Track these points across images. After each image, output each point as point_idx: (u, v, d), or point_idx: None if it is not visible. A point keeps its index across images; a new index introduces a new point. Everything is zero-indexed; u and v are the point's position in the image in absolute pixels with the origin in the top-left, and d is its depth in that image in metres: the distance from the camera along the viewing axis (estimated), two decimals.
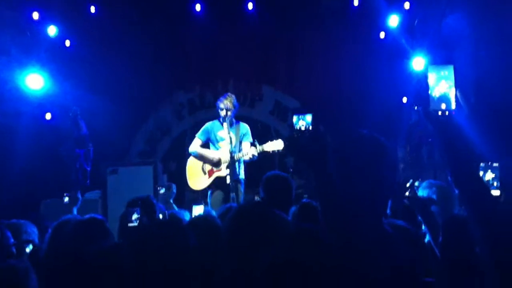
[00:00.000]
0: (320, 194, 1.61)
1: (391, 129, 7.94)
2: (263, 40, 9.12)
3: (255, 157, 5.76)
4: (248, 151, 5.73)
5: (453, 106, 1.87)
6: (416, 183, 3.11)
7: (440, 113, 1.84)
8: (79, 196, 4.89)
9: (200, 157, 6.13)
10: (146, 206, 3.53)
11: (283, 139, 5.86)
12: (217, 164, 5.96)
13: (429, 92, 1.87)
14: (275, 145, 5.71)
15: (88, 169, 7.05)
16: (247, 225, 2.06)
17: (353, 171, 1.59)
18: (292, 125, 1.85)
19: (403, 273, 1.53)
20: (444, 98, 1.87)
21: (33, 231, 3.48)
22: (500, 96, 6.53)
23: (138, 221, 3.31)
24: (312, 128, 1.82)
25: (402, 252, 1.58)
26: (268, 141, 5.80)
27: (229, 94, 6.04)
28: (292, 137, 1.81)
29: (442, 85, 1.87)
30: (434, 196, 3.15)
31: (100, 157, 7.30)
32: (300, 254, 1.53)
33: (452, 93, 1.88)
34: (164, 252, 1.76)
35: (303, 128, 1.81)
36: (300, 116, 1.85)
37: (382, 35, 8.54)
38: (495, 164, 2.85)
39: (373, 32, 8.60)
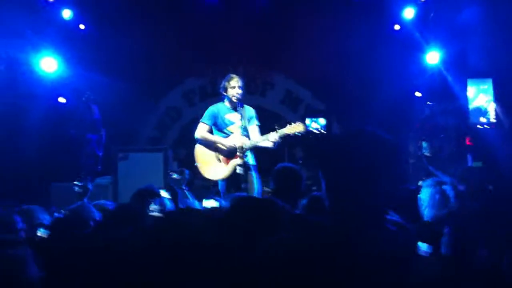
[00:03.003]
0: (327, 194, 1.60)
1: (402, 123, 7.91)
2: (275, 27, 9.07)
3: (277, 142, 5.13)
4: (269, 136, 5.13)
5: (492, 120, 1.85)
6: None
7: (479, 126, 1.81)
8: (90, 187, 4.90)
9: (210, 145, 5.49)
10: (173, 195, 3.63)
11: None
12: (233, 151, 5.33)
13: (468, 105, 1.84)
14: (296, 128, 5.08)
15: (100, 154, 7.09)
16: (243, 215, 2.11)
17: (352, 168, 1.57)
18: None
19: (401, 269, 1.53)
20: (482, 112, 1.85)
21: (44, 218, 3.57)
22: None
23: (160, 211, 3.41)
24: (325, 131, 1.82)
25: (403, 251, 1.59)
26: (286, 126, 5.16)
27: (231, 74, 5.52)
28: (306, 138, 1.81)
29: (481, 98, 1.84)
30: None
31: (110, 141, 7.35)
32: (297, 245, 1.53)
33: (491, 107, 1.86)
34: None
35: (316, 131, 1.81)
36: (313, 119, 1.85)
37: (396, 27, 8.46)
38: None
39: (388, 24, 8.53)
